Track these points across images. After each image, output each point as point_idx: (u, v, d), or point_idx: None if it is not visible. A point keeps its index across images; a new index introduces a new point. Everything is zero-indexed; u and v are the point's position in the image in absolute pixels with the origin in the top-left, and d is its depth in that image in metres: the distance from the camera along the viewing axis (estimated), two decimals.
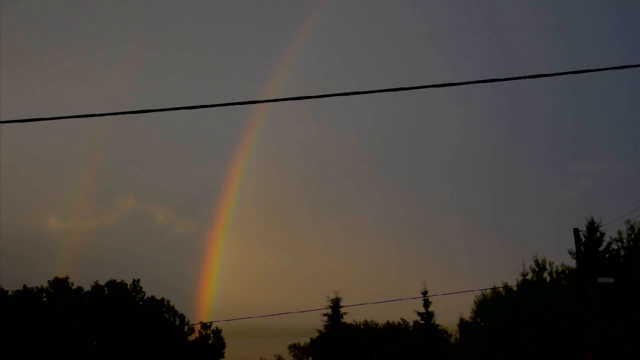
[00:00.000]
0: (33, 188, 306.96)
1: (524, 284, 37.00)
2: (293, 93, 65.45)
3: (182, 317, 58.04)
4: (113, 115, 8.66)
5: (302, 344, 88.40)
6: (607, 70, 8.61)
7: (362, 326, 71.94)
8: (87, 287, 54.62)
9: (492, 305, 39.77)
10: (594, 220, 32.20)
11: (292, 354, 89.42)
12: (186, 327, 58.40)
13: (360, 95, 8.58)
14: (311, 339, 67.42)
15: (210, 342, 60.81)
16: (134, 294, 55.61)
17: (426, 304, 47.83)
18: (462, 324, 48.80)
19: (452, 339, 56.06)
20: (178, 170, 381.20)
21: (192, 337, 59.61)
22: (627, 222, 31.46)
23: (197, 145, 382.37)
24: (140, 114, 8.40)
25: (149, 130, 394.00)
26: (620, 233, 31.77)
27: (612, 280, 23.33)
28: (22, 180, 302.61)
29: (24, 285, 53.06)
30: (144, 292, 56.31)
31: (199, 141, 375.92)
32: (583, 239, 30.83)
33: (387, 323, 73.19)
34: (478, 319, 41.63)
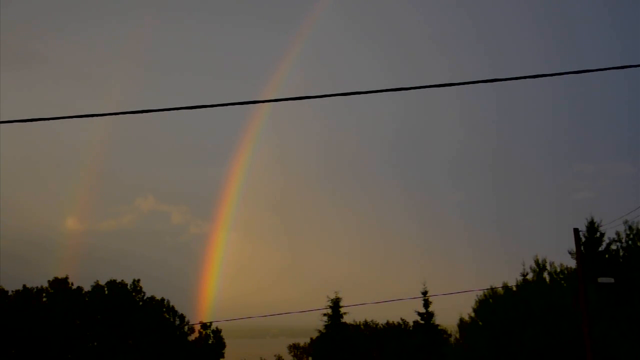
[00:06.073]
0: (48, 188, 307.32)
1: (524, 284, 36.99)
2: (294, 93, 65.42)
3: (182, 317, 58.06)
4: (128, 115, 8.68)
5: (302, 344, 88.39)
6: (607, 70, 8.63)
7: (362, 326, 71.89)
8: (87, 287, 54.70)
9: (492, 305, 39.73)
10: (594, 221, 32.20)
11: (292, 354, 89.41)
12: (186, 327, 58.40)
13: (362, 95, 8.60)
14: (311, 339, 67.44)
15: (210, 342, 60.81)
16: (134, 294, 55.63)
17: (426, 304, 47.80)
18: (462, 324, 48.77)
19: (452, 339, 56.01)
20: (194, 170, 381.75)
21: (192, 337, 59.61)
22: (625, 222, 31.45)
23: (208, 145, 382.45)
24: (142, 114, 8.41)
25: (159, 129, 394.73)
26: (618, 234, 31.76)
27: (612, 280, 23.33)
28: (33, 180, 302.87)
29: (24, 285, 53.10)
30: (144, 292, 56.40)
31: (209, 141, 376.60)
32: (583, 239, 30.81)
33: (387, 323, 73.14)
34: (478, 319, 41.60)
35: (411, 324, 62.20)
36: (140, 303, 55.63)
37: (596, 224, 31.99)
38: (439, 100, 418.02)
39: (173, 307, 57.87)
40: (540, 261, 37.01)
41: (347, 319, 49.96)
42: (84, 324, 51.96)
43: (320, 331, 49.03)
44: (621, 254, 31.57)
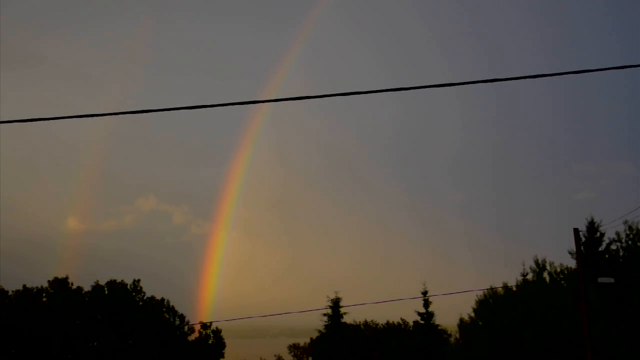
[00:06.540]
0: (48, 188, 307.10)
1: (524, 284, 37.00)
2: (294, 93, 65.47)
3: (182, 317, 58.07)
4: (128, 115, 8.69)
5: (302, 344, 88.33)
6: (607, 70, 8.63)
7: (362, 326, 71.88)
8: (87, 287, 54.72)
9: (492, 305, 39.75)
10: (594, 221, 32.20)
11: (292, 354, 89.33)
12: (186, 327, 58.42)
13: (362, 95, 8.60)
14: (311, 339, 67.42)
15: (210, 342, 60.82)
16: (134, 294, 55.66)
17: (426, 304, 47.86)
18: (462, 324, 48.78)
19: (452, 339, 56.01)
20: (195, 170, 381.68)
21: (192, 337, 59.62)
22: (625, 222, 31.46)
23: (209, 145, 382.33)
24: (142, 114, 8.42)
25: (159, 129, 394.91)
26: (618, 234, 31.77)
27: (612, 280, 23.34)
28: (33, 180, 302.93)
29: (24, 285, 53.11)
30: (144, 292, 56.43)
31: (210, 141, 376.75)
32: (583, 239, 30.81)
33: (387, 323, 73.13)
34: (478, 319, 41.62)
35: (411, 324, 62.15)
36: (140, 303, 55.65)
37: (596, 224, 31.99)
38: (439, 100, 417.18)
39: (173, 307, 57.90)
40: (540, 261, 37.04)
41: (347, 319, 50.05)
42: (84, 324, 51.96)
43: (320, 331, 49.06)
44: (621, 254, 31.57)
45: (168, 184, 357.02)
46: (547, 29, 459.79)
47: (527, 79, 8.43)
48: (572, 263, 33.94)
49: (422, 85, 8.25)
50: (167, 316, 57.02)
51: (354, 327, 64.74)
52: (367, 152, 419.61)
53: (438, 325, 48.11)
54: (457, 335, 53.61)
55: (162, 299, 57.57)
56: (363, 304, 46.93)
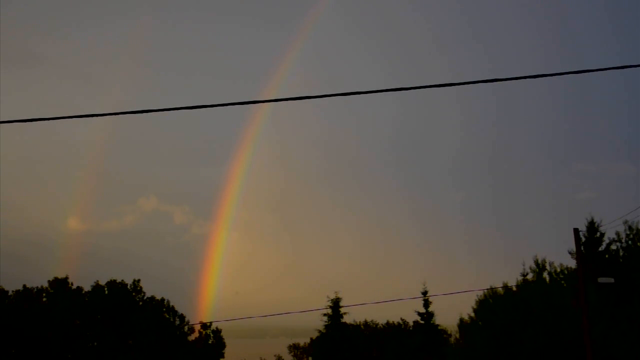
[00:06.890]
0: (48, 188, 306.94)
1: (524, 284, 37.01)
2: (294, 93, 65.48)
3: (182, 317, 58.08)
4: (128, 115, 8.68)
5: (302, 344, 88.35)
6: (607, 70, 8.63)
7: (362, 326, 71.87)
8: (87, 287, 54.74)
9: (492, 305, 39.77)
10: (594, 221, 32.20)
11: (292, 354, 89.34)
12: (186, 327, 58.42)
13: (362, 95, 8.60)
14: (311, 339, 67.44)
15: (210, 342, 60.84)
16: (134, 294, 55.66)
17: (426, 304, 47.81)
18: (462, 324, 48.79)
19: (452, 339, 56.00)
20: (196, 170, 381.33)
21: (192, 337, 59.64)
22: (625, 222, 31.47)
23: (209, 145, 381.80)
24: (142, 114, 8.42)
25: (160, 129, 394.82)
26: (618, 234, 31.77)
27: (612, 280, 23.33)
28: (33, 180, 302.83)
29: (24, 285, 53.13)
30: (144, 292, 56.44)
31: (210, 141, 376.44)
32: (583, 239, 30.81)
33: (387, 323, 73.15)
34: (478, 319, 41.64)
35: (411, 324, 62.17)
36: (140, 303, 55.65)
37: (596, 224, 31.99)
38: (438, 100, 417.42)
39: (173, 307, 57.92)
40: (540, 261, 37.06)
41: (347, 319, 49.94)
42: (84, 324, 51.97)
43: (320, 331, 49.00)
44: (621, 254, 31.57)
45: (169, 184, 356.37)
46: (547, 29, 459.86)
47: (527, 79, 8.43)
48: (572, 263, 33.99)
49: (422, 85, 8.25)
50: (167, 316, 57.02)
51: (354, 327, 64.69)
52: (367, 152, 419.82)
53: (438, 325, 48.05)
54: (457, 335, 53.59)
55: (162, 299, 57.59)
56: (363, 304, 46.84)
